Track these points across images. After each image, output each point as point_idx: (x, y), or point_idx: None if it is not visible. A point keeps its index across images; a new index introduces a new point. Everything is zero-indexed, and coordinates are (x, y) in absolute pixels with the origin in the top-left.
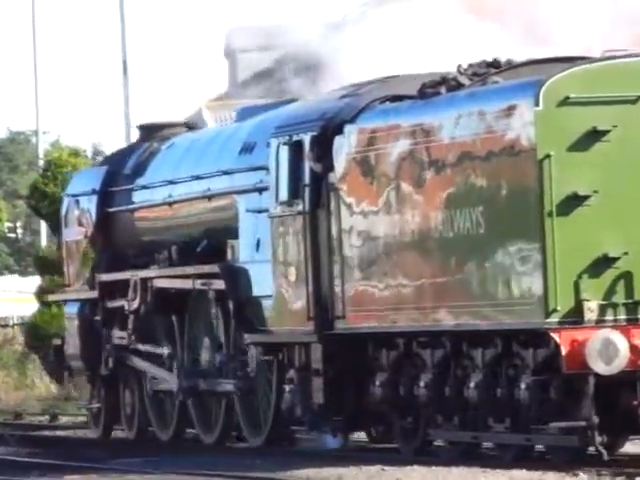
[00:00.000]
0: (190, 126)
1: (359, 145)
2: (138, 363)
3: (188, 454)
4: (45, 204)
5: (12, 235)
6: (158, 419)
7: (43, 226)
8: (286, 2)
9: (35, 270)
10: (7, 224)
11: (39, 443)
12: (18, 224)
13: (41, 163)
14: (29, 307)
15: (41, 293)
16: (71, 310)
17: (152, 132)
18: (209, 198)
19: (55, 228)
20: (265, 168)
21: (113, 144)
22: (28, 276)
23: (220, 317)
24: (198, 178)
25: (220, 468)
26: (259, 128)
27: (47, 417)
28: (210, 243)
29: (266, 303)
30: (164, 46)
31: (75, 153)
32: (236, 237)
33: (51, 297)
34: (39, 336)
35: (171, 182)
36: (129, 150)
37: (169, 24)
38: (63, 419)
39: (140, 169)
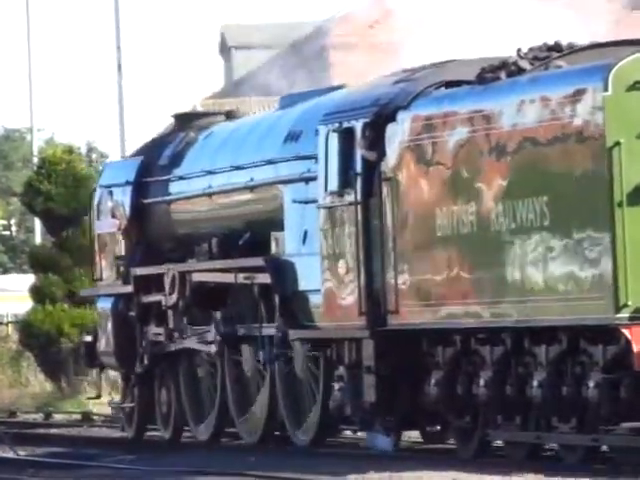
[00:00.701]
0: (229, 115)
1: (413, 133)
2: (176, 346)
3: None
4: (39, 201)
5: (6, 233)
6: (195, 419)
7: (37, 224)
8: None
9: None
10: (1, 221)
11: (33, 441)
12: (12, 222)
13: (35, 160)
14: (24, 305)
15: (35, 291)
16: (104, 305)
17: (188, 121)
18: (251, 189)
19: (49, 226)
20: (312, 157)
21: (107, 141)
22: (22, 274)
23: (263, 312)
24: (239, 168)
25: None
26: (305, 115)
27: (41, 415)
28: (253, 235)
29: (313, 298)
30: (159, 44)
31: (69, 150)
32: (280, 229)
33: (83, 292)
34: (33, 334)
35: (210, 172)
36: (164, 140)
37: (164, 22)
38: (57, 417)
39: (177, 159)
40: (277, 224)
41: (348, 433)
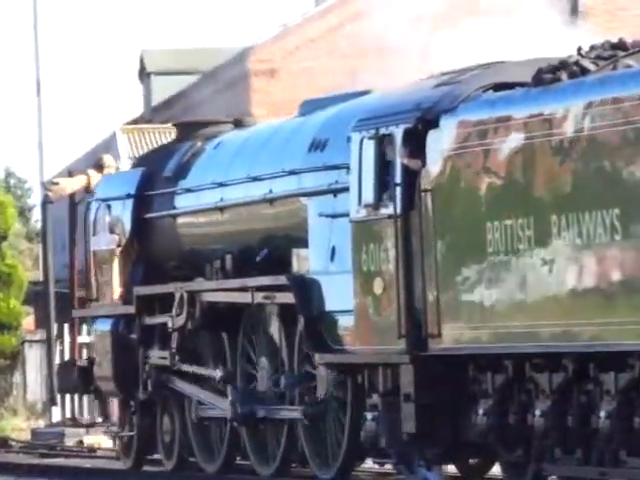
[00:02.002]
0: (238, 123)
1: (459, 139)
2: (183, 386)
3: None
4: None
5: None
6: (203, 448)
7: None
8: (201, 26)
9: None
10: None
11: None
12: None
13: None
14: None
15: None
16: (102, 327)
17: (192, 131)
18: (270, 201)
19: None
20: (341, 167)
21: (26, 167)
22: None
23: (283, 335)
24: (256, 179)
25: None
26: (332, 122)
27: None
28: (271, 252)
29: (344, 319)
30: (78, 69)
31: None
32: (303, 245)
33: (79, 312)
34: None
35: (222, 184)
36: (166, 150)
37: (83, 47)
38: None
39: (183, 171)
40: (299, 240)
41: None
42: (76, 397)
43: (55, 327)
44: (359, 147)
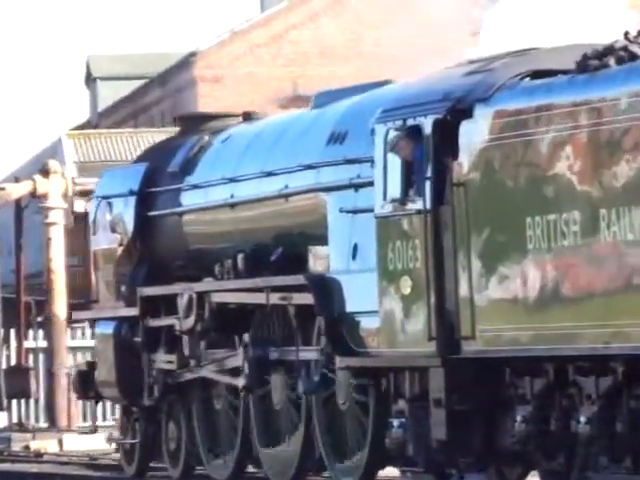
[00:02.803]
0: (248, 116)
1: (496, 130)
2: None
3: None
4: None
5: None
6: (212, 456)
7: None
8: (147, 31)
9: None
10: None
11: None
12: None
13: None
14: None
15: None
16: (105, 330)
17: (196, 124)
18: (286, 197)
19: None
20: (363, 160)
21: None
22: None
23: (300, 338)
24: (270, 174)
25: None
26: (352, 113)
27: None
28: (286, 250)
29: (367, 321)
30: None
31: None
32: (320, 242)
33: (81, 315)
34: None
35: (232, 180)
36: (170, 145)
37: (29, 53)
38: None
39: (189, 166)
40: (316, 237)
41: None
42: (23, 402)
43: (1, 332)
44: (384, 139)
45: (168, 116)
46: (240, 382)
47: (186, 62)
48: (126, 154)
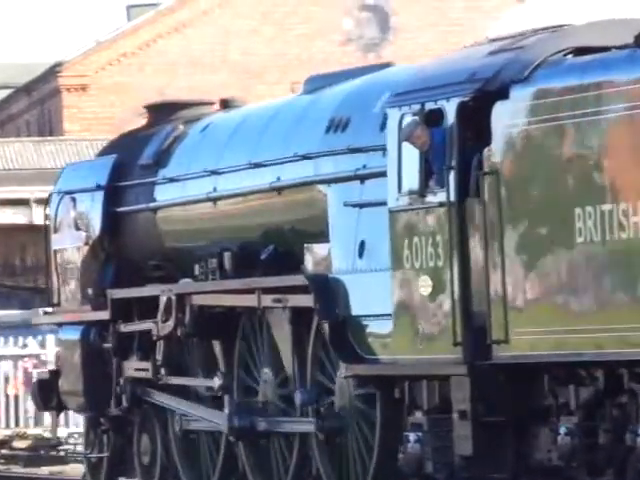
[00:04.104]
0: (227, 104)
1: (538, 111)
2: (166, 400)
3: None
4: None
5: None
6: (190, 470)
7: None
8: (13, 40)
9: None
10: None
11: None
12: None
13: None
14: None
15: None
16: (70, 336)
17: (167, 113)
18: (278, 190)
19: None
20: (368, 149)
21: None
22: None
23: (292, 343)
24: (259, 166)
25: None
26: (353, 98)
27: None
28: (279, 248)
29: (377, 325)
30: None
31: None
32: (315, 239)
33: (43, 319)
34: None
35: (214, 172)
36: (140, 136)
37: None
38: None
39: (163, 158)
40: (312, 234)
41: None
42: None
43: None
44: (398, 125)
45: (34, 125)
46: (216, 382)
47: (51, 72)
48: None
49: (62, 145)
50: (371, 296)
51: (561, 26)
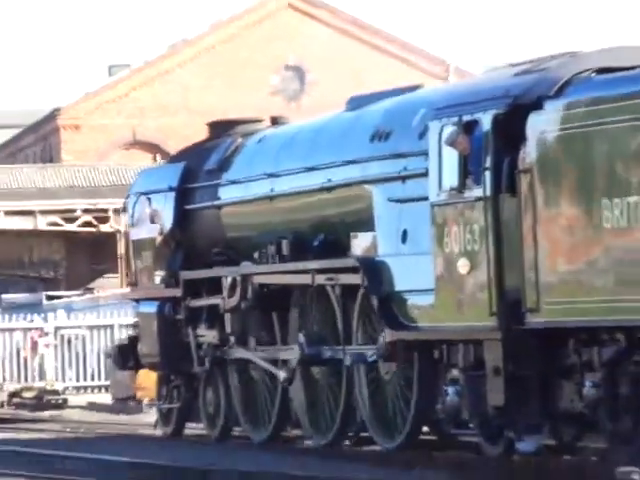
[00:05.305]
0: (276, 121)
1: (569, 119)
2: (244, 355)
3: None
4: None
5: None
6: (249, 418)
7: None
8: (14, 89)
9: None
10: None
11: None
12: None
13: None
14: None
15: None
16: (147, 309)
17: (225, 129)
18: (329, 190)
19: None
20: (409, 155)
21: None
22: None
23: (341, 315)
24: (312, 169)
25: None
26: (394, 113)
27: None
28: (329, 237)
29: (419, 298)
30: None
31: None
32: (361, 229)
33: (128, 295)
34: None
35: (272, 175)
36: (203, 147)
37: None
38: None
39: (225, 164)
40: (358, 225)
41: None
42: None
43: None
44: (438, 135)
45: (38, 155)
46: (281, 375)
47: (52, 115)
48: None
49: (60, 170)
50: (413, 274)
51: (575, 53)
